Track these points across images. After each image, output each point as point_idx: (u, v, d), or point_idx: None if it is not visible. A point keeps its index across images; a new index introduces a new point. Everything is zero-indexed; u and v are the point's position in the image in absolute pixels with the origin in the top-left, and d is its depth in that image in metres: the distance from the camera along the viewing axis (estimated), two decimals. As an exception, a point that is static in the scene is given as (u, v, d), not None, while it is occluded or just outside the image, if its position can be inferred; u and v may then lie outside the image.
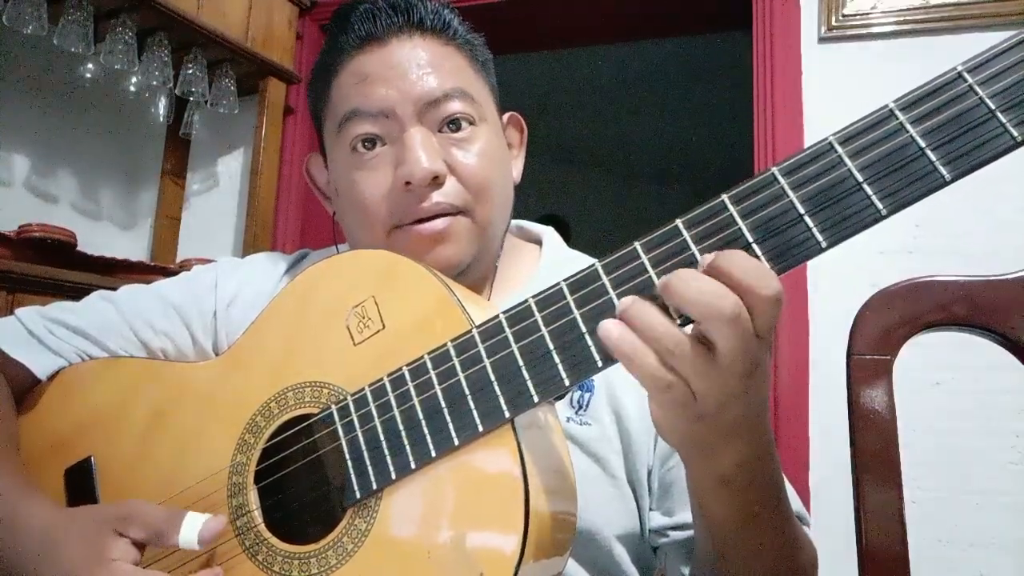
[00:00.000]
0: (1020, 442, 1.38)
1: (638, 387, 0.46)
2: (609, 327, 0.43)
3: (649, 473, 0.72)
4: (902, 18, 1.60)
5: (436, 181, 0.67)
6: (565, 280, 0.48)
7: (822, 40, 1.66)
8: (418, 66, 0.69)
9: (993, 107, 0.38)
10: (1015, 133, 0.38)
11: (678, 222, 0.45)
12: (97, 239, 1.94)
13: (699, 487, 0.54)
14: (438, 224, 0.67)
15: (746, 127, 1.73)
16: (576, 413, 0.69)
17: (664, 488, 0.72)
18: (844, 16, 1.64)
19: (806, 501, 1.47)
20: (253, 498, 0.58)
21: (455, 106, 0.69)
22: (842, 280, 1.54)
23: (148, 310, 0.77)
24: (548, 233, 0.84)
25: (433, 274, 0.56)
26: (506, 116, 0.80)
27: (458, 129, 0.69)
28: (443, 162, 0.68)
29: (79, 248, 1.62)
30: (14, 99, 1.80)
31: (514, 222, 0.85)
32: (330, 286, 0.60)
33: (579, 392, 0.70)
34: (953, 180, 0.39)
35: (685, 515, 0.68)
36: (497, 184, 0.72)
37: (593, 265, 0.47)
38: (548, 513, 0.48)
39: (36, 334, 0.73)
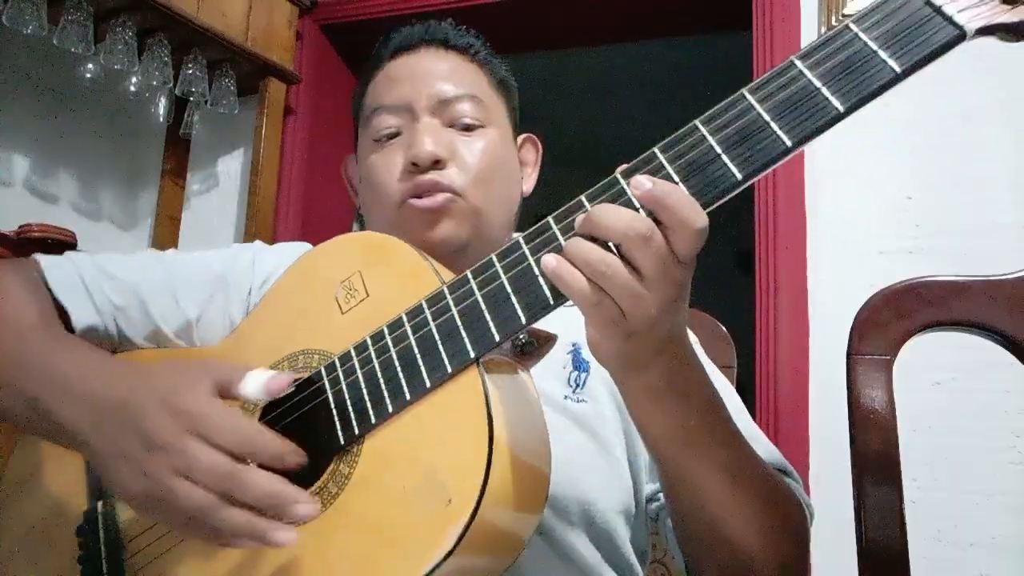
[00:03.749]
0: (1020, 442, 1.38)
1: None
2: (547, 258, 0.49)
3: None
4: (902, 18, 1.60)
5: (438, 165, 0.75)
6: (521, 235, 0.53)
7: (822, 40, 1.66)
8: (438, 71, 0.79)
9: (875, 48, 0.46)
10: (895, 67, 0.45)
11: (616, 174, 0.51)
12: (97, 239, 1.94)
13: (633, 405, 0.57)
14: (438, 198, 0.74)
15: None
16: (573, 391, 0.74)
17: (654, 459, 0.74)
18: (844, 16, 1.64)
19: (806, 501, 1.47)
20: None
21: (465, 108, 0.78)
22: (842, 280, 1.54)
23: (191, 277, 0.79)
24: None
25: (412, 248, 0.61)
26: (523, 136, 0.88)
27: (466, 129, 0.78)
28: (447, 150, 0.75)
29: (79, 248, 1.62)
30: (14, 99, 1.81)
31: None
32: (323, 266, 0.67)
33: (575, 372, 0.75)
34: (847, 112, 0.46)
35: None
36: (497, 180, 0.79)
37: (546, 218, 0.52)
38: (515, 449, 0.51)
39: (89, 287, 0.74)
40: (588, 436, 0.72)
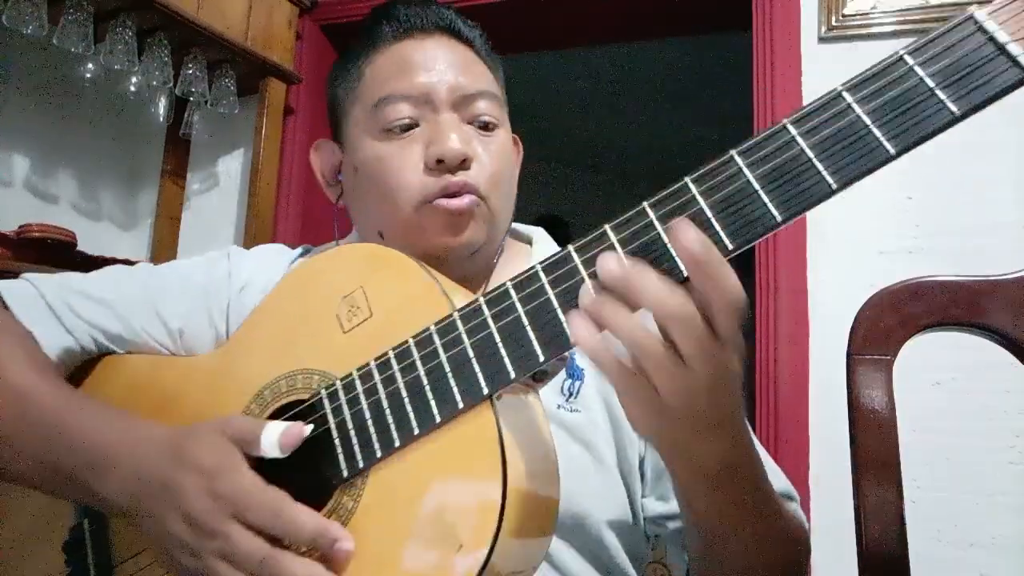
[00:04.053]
0: (1020, 442, 1.38)
1: None
2: (577, 324, 0.45)
3: (642, 461, 0.74)
4: (902, 18, 1.60)
5: (464, 164, 0.71)
6: (540, 263, 0.50)
7: (822, 40, 1.66)
8: (454, 63, 0.75)
9: (932, 85, 0.41)
10: (954, 108, 0.41)
11: (644, 204, 0.47)
12: (97, 239, 1.94)
13: (682, 484, 0.55)
14: (465, 200, 0.71)
15: (746, 128, 1.73)
16: (566, 400, 0.72)
17: (657, 474, 0.73)
18: (844, 16, 1.64)
19: (806, 501, 1.47)
20: None
21: (484, 106, 0.75)
22: (842, 280, 1.54)
23: (171, 290, 0.77)
24: (538, 233, 0.87)
25: (419, 265, 0.58)
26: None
27: (484, 128, 0.75)
28: (471, 149, 0.72)
29: (79, 248, 1.62)
30: (14, 99, 1.80)
31: None
32: (322, 279, 0.63)
33: (569, 380, 0.73)
34: (898, 154, 0.41)
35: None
36: (506, 183, 0.77)
37: (567, 247, 0.49)
38: (526, 486, 0.49)
39: (53, 307, 0.72)
40: (582, 447, 0.70)
